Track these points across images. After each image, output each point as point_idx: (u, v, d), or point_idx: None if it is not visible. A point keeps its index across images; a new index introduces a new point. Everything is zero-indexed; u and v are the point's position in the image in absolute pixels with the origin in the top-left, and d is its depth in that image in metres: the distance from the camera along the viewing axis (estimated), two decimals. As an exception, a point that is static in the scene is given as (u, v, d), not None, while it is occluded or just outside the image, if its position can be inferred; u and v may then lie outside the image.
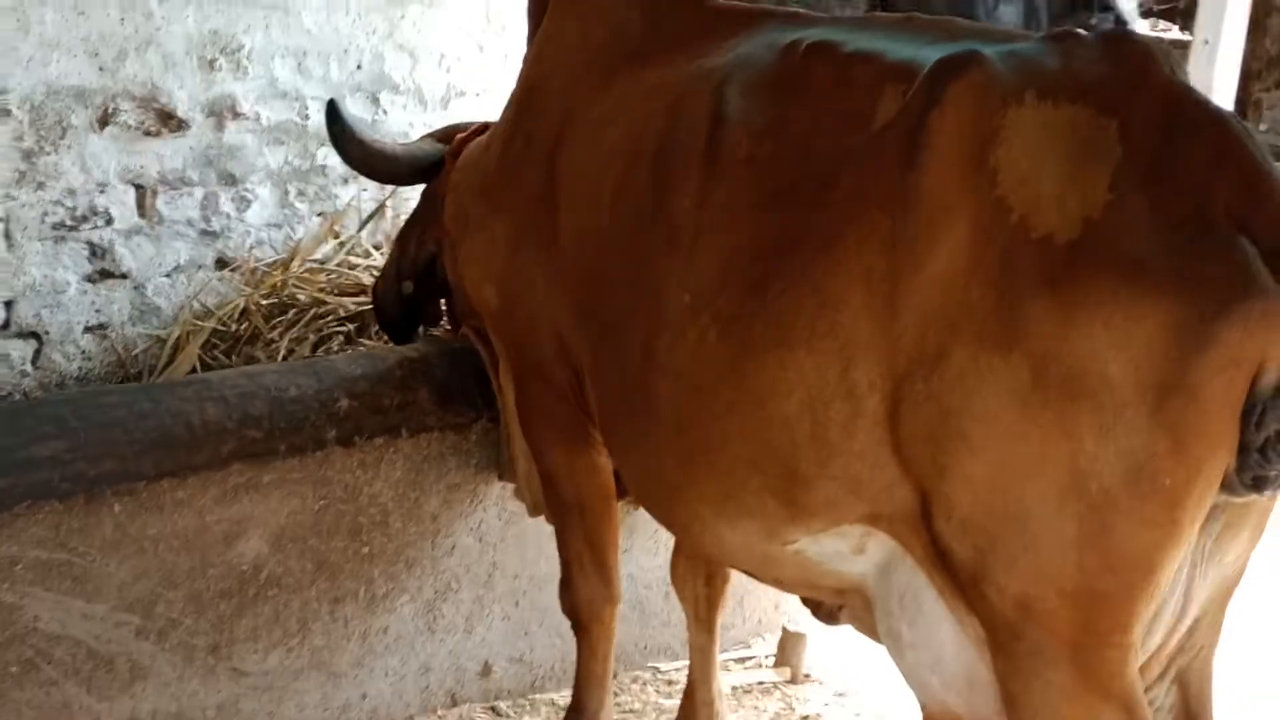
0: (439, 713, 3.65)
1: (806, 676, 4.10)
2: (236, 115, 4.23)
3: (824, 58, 2.43)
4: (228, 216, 4.27)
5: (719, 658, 3.94)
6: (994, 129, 2.12)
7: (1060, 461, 2.04)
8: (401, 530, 3.44)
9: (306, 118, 4.37)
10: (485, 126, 3.44)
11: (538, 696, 3.81)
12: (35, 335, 4.03)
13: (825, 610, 2.89)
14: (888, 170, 2.20)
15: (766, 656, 4.18)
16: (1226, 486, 2.07)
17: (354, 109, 4.39)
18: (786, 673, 4.10)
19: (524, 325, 3.10)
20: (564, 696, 3.77)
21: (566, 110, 2.97)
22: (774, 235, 2.35)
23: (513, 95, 3.22)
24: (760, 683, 4.06)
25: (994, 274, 2.08)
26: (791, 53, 2.49)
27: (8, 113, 3.84)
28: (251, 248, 4.35)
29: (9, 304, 3.99)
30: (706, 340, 2.42)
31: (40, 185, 3.92)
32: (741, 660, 4.18)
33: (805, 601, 3.25)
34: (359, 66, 4.45)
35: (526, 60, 3.24)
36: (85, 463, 2.94)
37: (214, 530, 3.13)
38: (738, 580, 4.16)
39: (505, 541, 3.64)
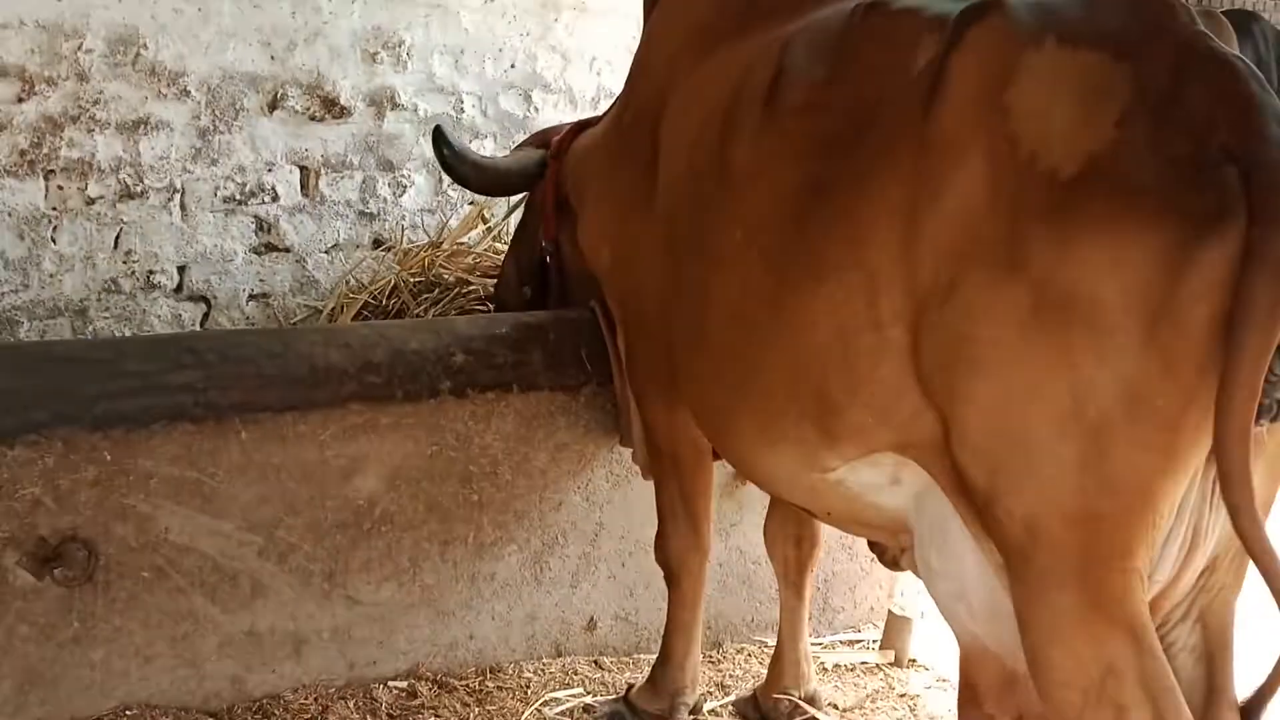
0: (543, 660, 3.82)
1: (912, 661, 4.15)
2: (395, 106, 4.55)
3: (877, 14, 2.58)
4: (384, 200, 4.58)
5: (826, 638, 4.08)
6: (1010, 70, 2.24)
7: (1059, 385, 2.14)
8: (510, 482, 3.64)
9: (462, 111, 4.67)
10: (581, 125, 3.67)
11: (641, 656, 3.95)
12: (205, 299, 4.40)
13: (889, 556, 3.01)
14: (915, 111, 2.34)
15: (874, 641, 4.26)
16: None
17: (507, 106, 4.66)
18: (890, 655, 4.17)
19: (631, 285, 3.30)
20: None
21: (671, 82, 3.17)
22: (817, 176, 2.50)
23: (627, 77, 3.45)
24: (864, 663, 4.14)
25: (1004, 206, 2.20)
26: (854, 13, 2.65)
27: (187, 93, 4.23)
28: (405, 230, 4.66)
29: (182, 269, 4.37)
30: (752, 274, 2.58)
31: (214, 162, 4.29)
32: (850, 643, 4.28)
33: (872, 547, 3.37)
34: (512, 65, 4.73)
35: (640, 43, 3.46)
36: (216, 391, 3.24)
37: (332, 464, 3.39)
38: (851, 567, 4.29)
39: (613, 503, 3.80)
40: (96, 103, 4.17)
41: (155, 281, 4.31)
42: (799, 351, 2.52)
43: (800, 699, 3.62)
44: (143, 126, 4.24)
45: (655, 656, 3.94)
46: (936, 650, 4.13)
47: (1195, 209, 2.03)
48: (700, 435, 3.33)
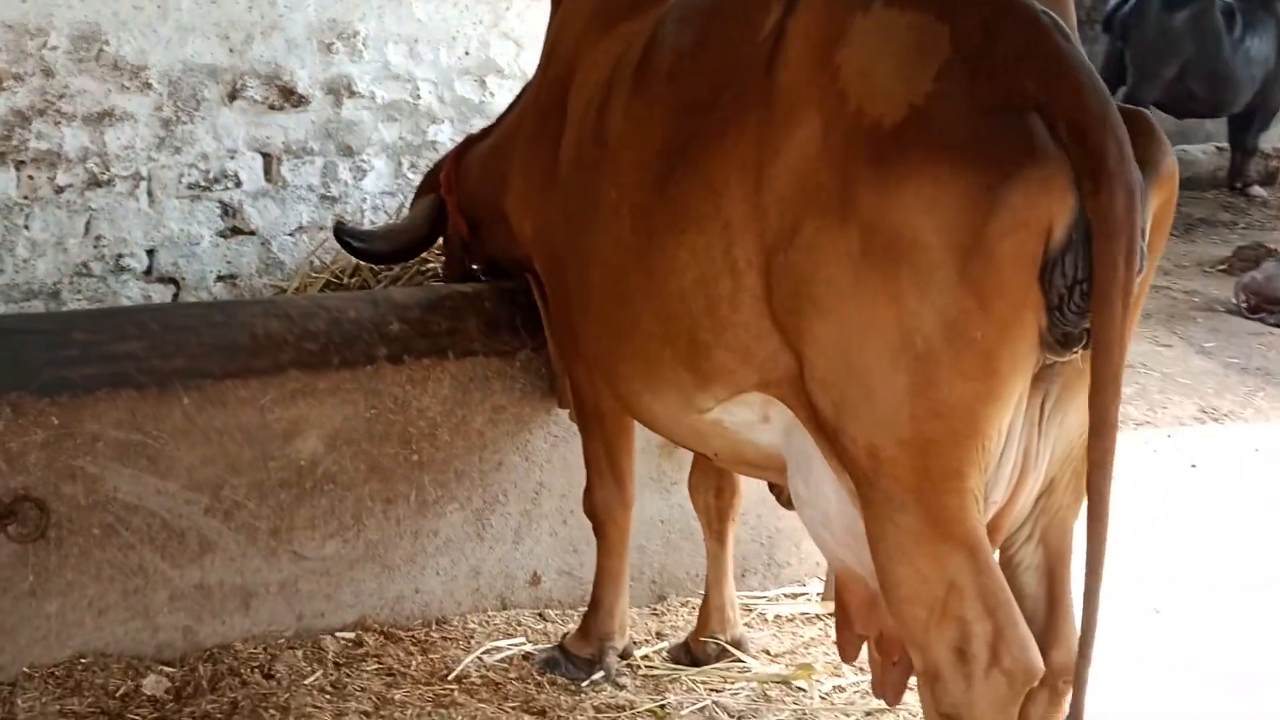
0: (489, 613, 3.97)
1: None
2: (353, 94, 4.74)
3: None
4: (346, 184, 4.78)
5: (772, 591, 4.24)
6: (840, 32, 2.41)
7: (889, 320, 2.31)
8: (449, 443, 3.79)
9: (419, 97, 4.86)
10: (462, 147, 3.91)
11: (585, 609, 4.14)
12: (174, 281, 4.61)
13: (785, 496, 3.17)
14: (760, 72, 2.51)
15: (818, 595, 4.41)
16: (1045, 345, 2.30)
17: (463, 91, 4.84)
18: (831, 607, 4.32)
19: (548, 251, 3.47)
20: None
21: (578, 59, 3.35)
22: (679, 136, 2.68)
23: (540, 59, 3.63)
24: (804, 613, 4.29)
25: (835, 157, 2.37)
26: None
27: (149, 86, 4.44)
28: (366, 213, 4.85)
29: (150, 252, 4.58)
30: (624, 229, 2.76)
31: (177, 150, 4.50)
32: (794, 596, 4.42)
33: (770, 487, 3.54)
34: (466, 53, 4.91)
35: (550, 26, 3.64)
36: (159, 359, 3.43)
37: (274, 427, 3.55)
38: (795, 523, 4.44)
39: (552, 463, 3.94)
40: (62, 97, 4.39)
41: (125, 265, 4.52)
42: (668, 299, 2.70)
43: (727, 643, 3.79)
44: (108, 118, 4.45)
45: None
46: (878, 602, 4.31)
47: (1000, 153, 2.20)
48: (619, 391, 3.52)
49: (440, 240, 4.20)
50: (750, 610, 4.15)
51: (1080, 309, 2.24)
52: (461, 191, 3.96)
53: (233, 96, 4.56)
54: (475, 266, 4.08)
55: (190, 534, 3.53)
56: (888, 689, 2.80)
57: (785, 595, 4.37)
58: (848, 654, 2.92)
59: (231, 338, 3.51)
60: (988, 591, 2.39)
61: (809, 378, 2.47)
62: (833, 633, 4.16)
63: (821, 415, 2.47)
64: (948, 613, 2.41)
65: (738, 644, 3.80)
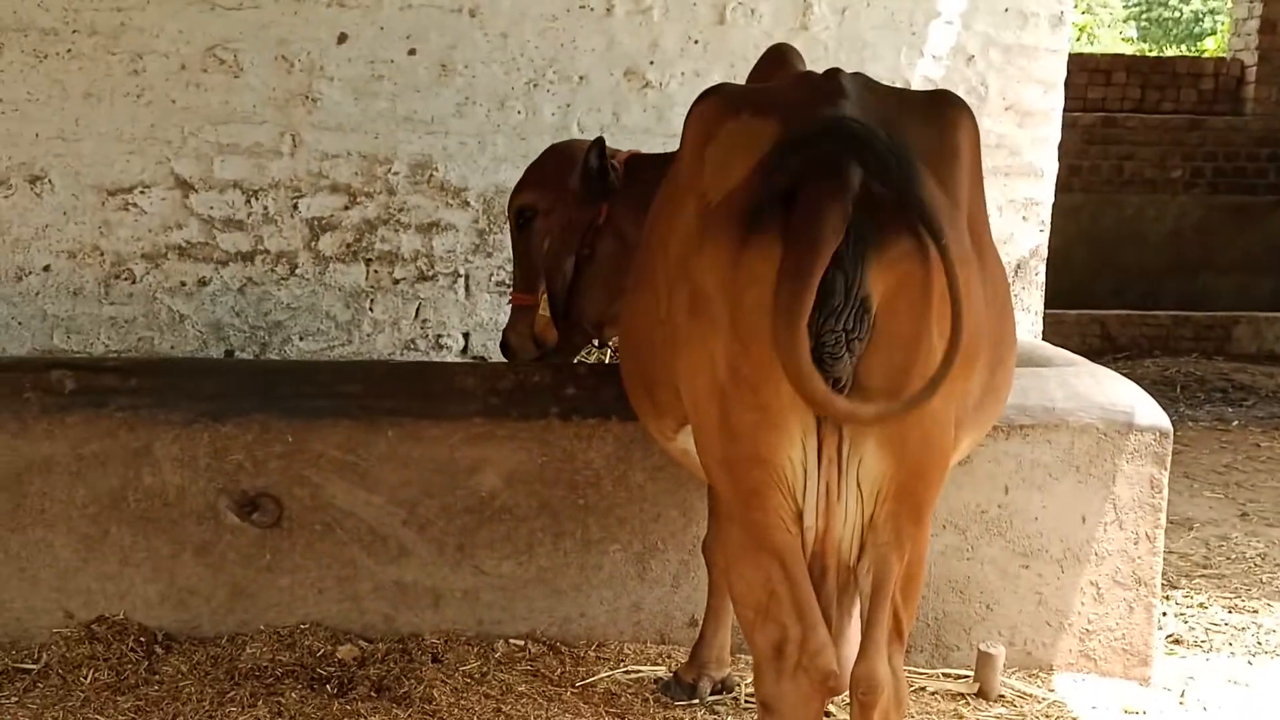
0: (646, 644, 4.39)
1: (1001, 698, 4.43)
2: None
3: None
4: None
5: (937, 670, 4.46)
6: (711, 133, 2.91)
7: (703, 360, 2.75)
8: (612, 493, 4.31)
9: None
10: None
11: (741, 656, 4.50)
12: (483, 359, 5.52)
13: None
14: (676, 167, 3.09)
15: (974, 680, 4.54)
16: None
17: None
18: (975, 687, 4.46)
19: None
20: (762, 661, 4.49)
21: None
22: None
23: None
24: (947, 690, 4.46)
25: (692, 230, 2.86)
26: None
27: (468, 204, 5.43)
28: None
29: (466, 335, 5.53)
30: (635, 295, 3.37)
31: (489, 254, 5.42)
32: (955, 677, 4.57)
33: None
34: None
35: None
36: (373, 399, 4.28)
37: (460, 462, 4.26)
38: (966, 609, 4.61)
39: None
40: (401, 210, 5.45)
41: (444, 344, 5.49)
42: (639, 344, 3.25)
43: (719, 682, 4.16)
44: (435, 228, 5.46)
45: (748, 658, 4.53)
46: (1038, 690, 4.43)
47: (747, 224, 2.62)
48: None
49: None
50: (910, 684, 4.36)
51: (834, 359, 2.58)
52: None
53: (534, 212, 5.47)
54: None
55: (391, 540, 4.31)
56: None
57: (944, 675, 4.56)
58: None
59: (432, 388, 4.32)
60: (799, 599, 2.74)
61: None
62: (973, 713, 4.38)
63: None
64: (769, 615, 2.77)
65: (726, 685, 4.16)
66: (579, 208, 4.26)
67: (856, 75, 2.93)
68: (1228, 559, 6.11)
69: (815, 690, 2.74)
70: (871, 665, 2.76)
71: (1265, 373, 10.63)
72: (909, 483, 2.73)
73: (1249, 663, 4.88)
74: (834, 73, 2.91)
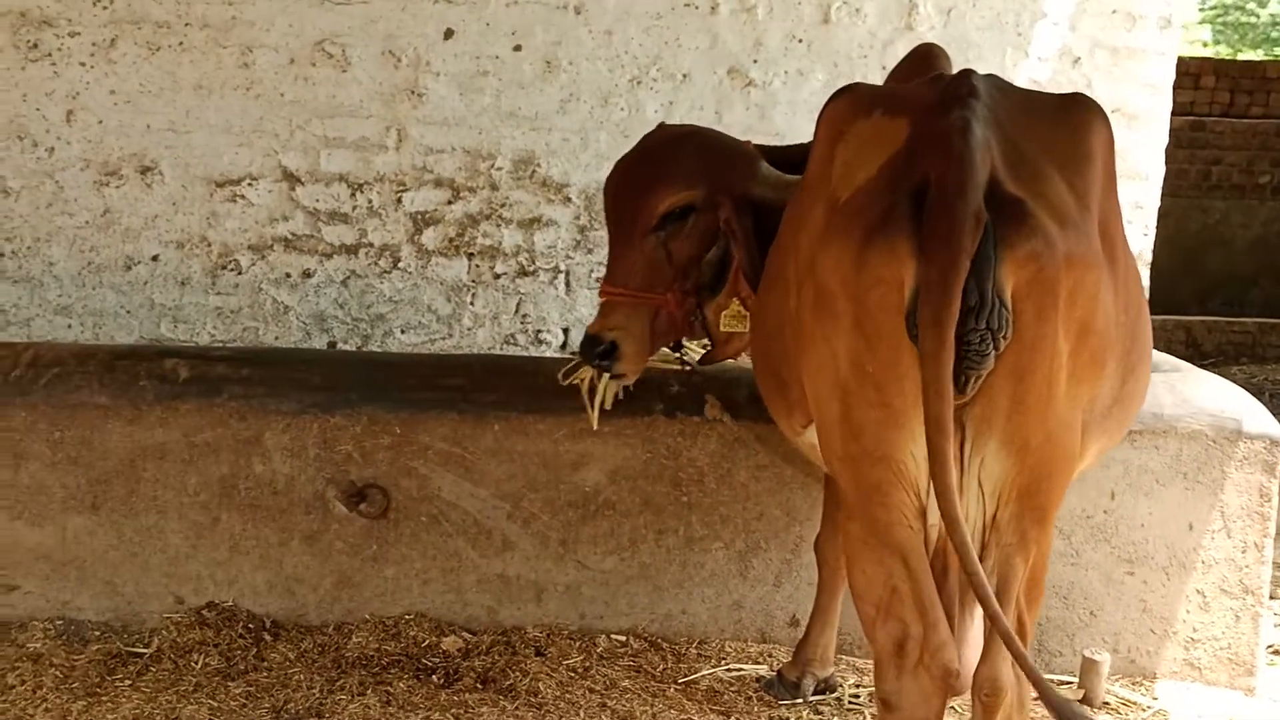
0: (748, 642, 4.37)
1: (1105, 704, 4.37)
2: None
3: None
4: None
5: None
6: (841, 132, 2.87)
7: (826, 357, 2.71)
8: (715, 490, 4.30)
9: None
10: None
11: (841, 657, 4.48)
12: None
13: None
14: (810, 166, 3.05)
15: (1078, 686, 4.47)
16: None
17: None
18: (1080, 694, 4.39)
19: None
20: (864, 661, 4.44)
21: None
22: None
23: None
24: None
25: (821, 226, 2.82)
26: None
27: (569, 199, 5.40)
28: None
29: (565, 330, 5.51)
30: (765, 297, 3.33)
31: (589, 250, 5.40)
32: (1059, 684, 4.51)
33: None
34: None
35: None
36: (478, 393, 4.28)
37: (564, 457, 4.25)
38: (1070, 615, 4.54)
39: (812, 520, 4.29)
40: (504, 205, 5.44)
41: (543, 339, 5.47)
42: (771, 340, 3.22)
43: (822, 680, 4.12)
44: (536, 223, 5.43)
45: (852, 660, 4.48)
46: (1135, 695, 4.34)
47: (874, 223, 2.58)
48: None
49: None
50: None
51: (962, 355, 2.53)
52: None
53: (635, 210, 5.44)
54: None
55: (495, 533, 4.32)
56: None
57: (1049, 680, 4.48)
58: None
59: (536, 383, 4.31)
60: (921, 597, 2.70)
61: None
62: None
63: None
64: (891, 612, 2.73)
65: (829, 685, 4.11)
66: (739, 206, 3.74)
67: (989, 76, 2.87)
68: (1332, 570, 5.96)
69: (935, 688, 2.70)
70: (995, 667, 2.72)
71: (1354, 381, 10.41)
72: (1031, 484, 2.68)
73: (1357, 676, 4.75)
74: (966, 73, 2.85)
